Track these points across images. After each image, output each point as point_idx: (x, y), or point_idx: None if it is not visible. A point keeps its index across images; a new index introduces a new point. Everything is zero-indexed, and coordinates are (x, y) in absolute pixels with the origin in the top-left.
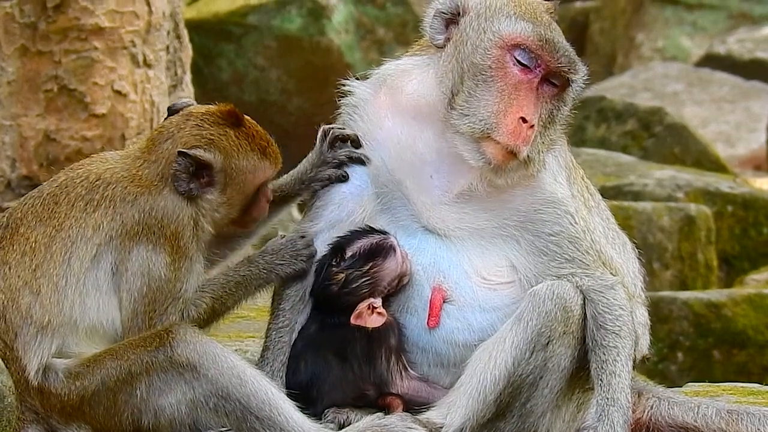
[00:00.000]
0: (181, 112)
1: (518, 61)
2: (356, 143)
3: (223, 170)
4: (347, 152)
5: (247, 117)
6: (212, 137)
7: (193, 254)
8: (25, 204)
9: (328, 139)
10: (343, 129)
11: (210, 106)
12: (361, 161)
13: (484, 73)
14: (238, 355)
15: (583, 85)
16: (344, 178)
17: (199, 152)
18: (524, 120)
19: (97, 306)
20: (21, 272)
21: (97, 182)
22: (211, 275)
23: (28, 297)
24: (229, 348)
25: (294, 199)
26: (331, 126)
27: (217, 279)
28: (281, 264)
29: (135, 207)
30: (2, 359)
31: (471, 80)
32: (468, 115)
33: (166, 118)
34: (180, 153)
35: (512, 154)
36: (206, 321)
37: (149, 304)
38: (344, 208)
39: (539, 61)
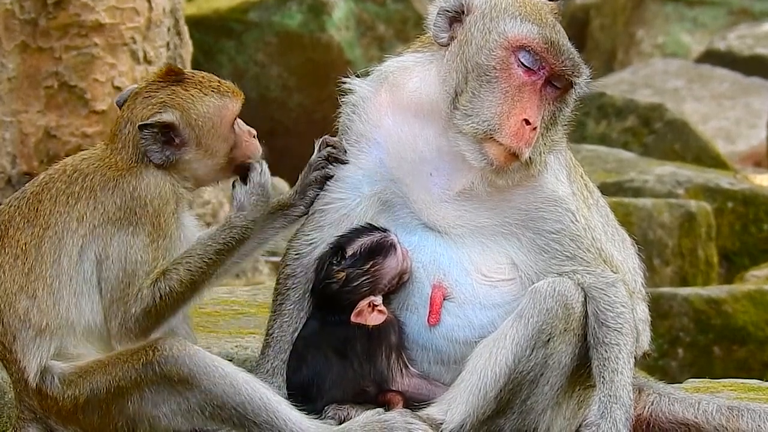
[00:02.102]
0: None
1: (522, 63)
2: (341, 148)
3: (188, 125)
4: (327, 152)
5: (188, 70)
6: (163, 100)
7: (172, 232)
8: (11, 206)
9: (318, 146)
10: (334, 139)
11: (149, 76)
12: (341, 161)
13: (488, 73)
14: (229, 362)
15: (586, 87)
16: (329, 176)
17: (156, 118)
18: (527, 122)
19: (91, 305)
20: (15, 276)
21: (75, 174)
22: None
23: (24, 301)
24: (220, 350)
25: (294, 209)
26: (325, 136)
27: (192, 249)
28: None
29: (116, 192)
30: (2, 360)
31: (475, 80)
32: (471, 116)
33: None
34: (140, 127)
35: (514, 155)
36: (183, 294)
37: (123, 289)
38: (344, 211)
39: (543, 64)
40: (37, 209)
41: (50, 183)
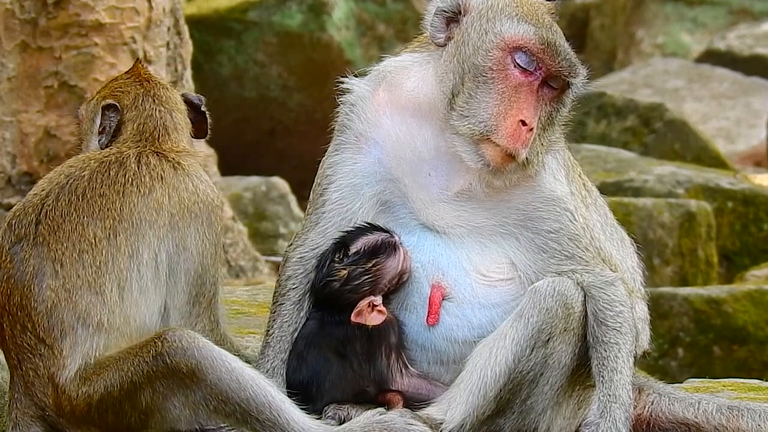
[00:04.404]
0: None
1: (518, 64)
2: None
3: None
4: None
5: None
6: (121, 93)
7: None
8: (60, 201)
9: None
10: None
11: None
12: None
13: (484, 74)
14: (236, 358)
15: (583, 88)
16: None
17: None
18: (524, 123)
19: (153, 302)
20: (80, 271)
21: (125, 161)
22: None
23: (89, 297)
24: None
25: None
26: None
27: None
28: None
29: (190, 179)
30: (30, 355)
31: (471, 81)
32: (468, 117)
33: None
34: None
35: (511, 156)
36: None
37: (201, 285)
38: (345, 213)
39: (540, 64)
40: (101, 203)
41: (98, 177)
